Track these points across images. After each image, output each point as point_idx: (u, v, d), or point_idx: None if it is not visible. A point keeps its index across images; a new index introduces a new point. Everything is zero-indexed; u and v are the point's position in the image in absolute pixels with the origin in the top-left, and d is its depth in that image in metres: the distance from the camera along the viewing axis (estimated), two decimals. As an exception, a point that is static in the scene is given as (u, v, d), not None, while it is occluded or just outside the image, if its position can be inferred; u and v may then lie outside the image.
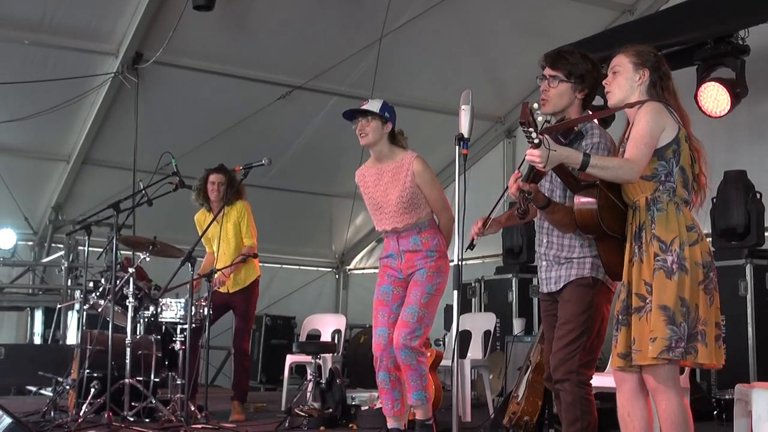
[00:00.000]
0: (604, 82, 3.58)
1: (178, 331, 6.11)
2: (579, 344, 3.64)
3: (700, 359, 3.27)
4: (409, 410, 4.97)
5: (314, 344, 6.96)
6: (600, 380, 4.32)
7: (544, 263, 3.85)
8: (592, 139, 3.68)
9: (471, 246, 3.81)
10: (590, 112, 3.95)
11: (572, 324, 3.67)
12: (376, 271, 5.12)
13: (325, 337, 7.81)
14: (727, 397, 5.82)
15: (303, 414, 5.91)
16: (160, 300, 6.11)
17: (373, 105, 4.87)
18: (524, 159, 3.48)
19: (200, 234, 6.42)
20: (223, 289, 6.57)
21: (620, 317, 3.38)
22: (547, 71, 3.79)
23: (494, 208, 3.79)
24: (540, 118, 3.19)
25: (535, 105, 3.20)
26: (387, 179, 4.87)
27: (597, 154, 3.56)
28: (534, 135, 3.15)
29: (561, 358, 3.67)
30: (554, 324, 3.78)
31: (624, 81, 3.49)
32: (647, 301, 3.30)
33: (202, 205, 6.77)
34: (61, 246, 9.68)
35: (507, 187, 3.82)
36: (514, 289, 8.38)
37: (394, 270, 4.89)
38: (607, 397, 4.23)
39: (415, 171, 4.79)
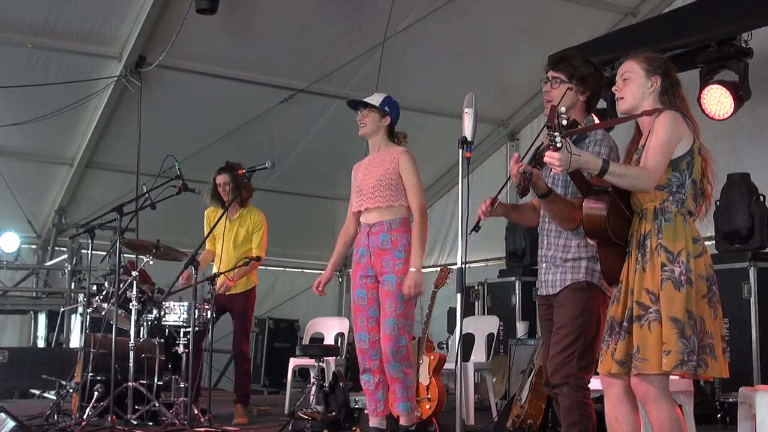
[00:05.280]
0: (614, 89, 3.57)
1: (182, 335, 6.12)
2: (575, 348, 3.66)
3: (710, 373, 3.25)
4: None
5: (317, 347, 6.95)
6: (598, 383, 4.31)
7: (543, 265, 3.89)
8: (595, 137, 3.75)
9: (476, 228, 3.75)
10: (593, 115, 3.98)
11: (568, 328, 3.69)
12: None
13: (329, 340, 7.81)
14: (730, 400, 5.81)
15: (306, 417, 5.90)
16: (164, 303, 6.11)
17: (375, 98, 5.07)
18: (530, 147, 3.50)
19: (208, 230, 6.44)
20: (221, 290, 6.56)
21: (624, 324, 3.36)
22: (550, 73, 3.87)
23: (500, 190, 3.79)
24: (564, 122, 3.19)
25: (563, 109, 3.20)
26: (375, 165, 5.04)
27: (601, 153, 3.63)
28: (558, 139, 3.14)
29: (558, 363, 3.69)
30: (551, 329, 3.81)
31: (636, 88, 3.48)
32: (649, 310, 3.27)
33: (212, 202, 6.79)
34: (65, 249, 9.68)
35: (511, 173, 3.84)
36: (517, 292, 8.38)
37: (363, 269, 4.99)
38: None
39: (400, 159, 4.95)
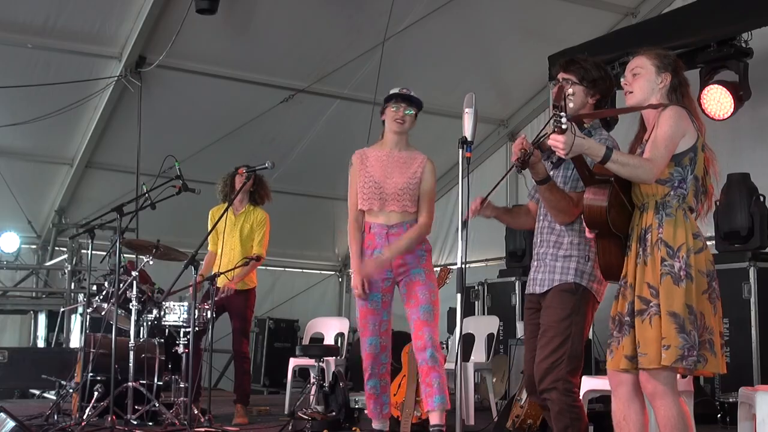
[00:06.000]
0: (623, 83, 3.57)
1: (182, 335, 6.12)
2: (563, 352, 3.63)
3: (709, 368, 3.26)
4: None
5: (317, 347, 6.94)
6: (597, 383, 4.31)
7: (535, 263, 3.88)
8: (600, 135, 3.75)
9: (465, 225, 3.74)
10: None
11: (553, 331, 3.66)
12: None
13: (329, 340, 7.81)
14: (730, 400, 5.81)
15: (306, 417, 5.90)
16: (163, 303, 6.11)
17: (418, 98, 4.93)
18: (539, 134, 3.49)
19: (211, 227, 6.43)
20: (225, 293, 6.56)
21: (627, 319, 3.36)
22: (561, 74, 3.86)
23: (493, 189, 3.79)
24: (571, 105, 3.15)
25: (570, 90, 3.17)
26: (395, 165, 4.88)
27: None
28: (564, 120, 3.13)
29: (546, 367, 3.65)
30: (536, 333, 3.77)
31: (646, 83, 3.49)
32: (650, 304, 3.28)
33: (224, 200, 6.76)
34: (65, 249, 9.70)
35: (507, 171, 3.82)
36: (517, 292, 8.38)
37: (382, 271, 4.83)
38: (608, 399, 4.22)
39: (426, 167, 4.89)
